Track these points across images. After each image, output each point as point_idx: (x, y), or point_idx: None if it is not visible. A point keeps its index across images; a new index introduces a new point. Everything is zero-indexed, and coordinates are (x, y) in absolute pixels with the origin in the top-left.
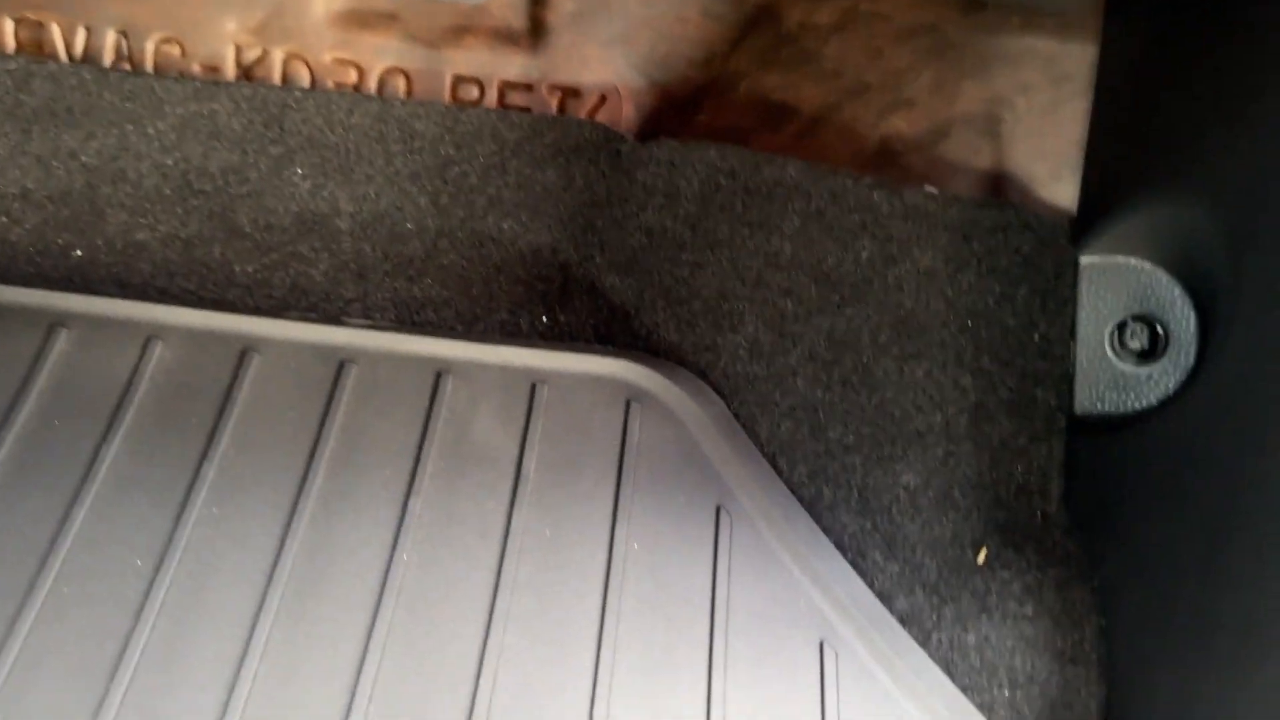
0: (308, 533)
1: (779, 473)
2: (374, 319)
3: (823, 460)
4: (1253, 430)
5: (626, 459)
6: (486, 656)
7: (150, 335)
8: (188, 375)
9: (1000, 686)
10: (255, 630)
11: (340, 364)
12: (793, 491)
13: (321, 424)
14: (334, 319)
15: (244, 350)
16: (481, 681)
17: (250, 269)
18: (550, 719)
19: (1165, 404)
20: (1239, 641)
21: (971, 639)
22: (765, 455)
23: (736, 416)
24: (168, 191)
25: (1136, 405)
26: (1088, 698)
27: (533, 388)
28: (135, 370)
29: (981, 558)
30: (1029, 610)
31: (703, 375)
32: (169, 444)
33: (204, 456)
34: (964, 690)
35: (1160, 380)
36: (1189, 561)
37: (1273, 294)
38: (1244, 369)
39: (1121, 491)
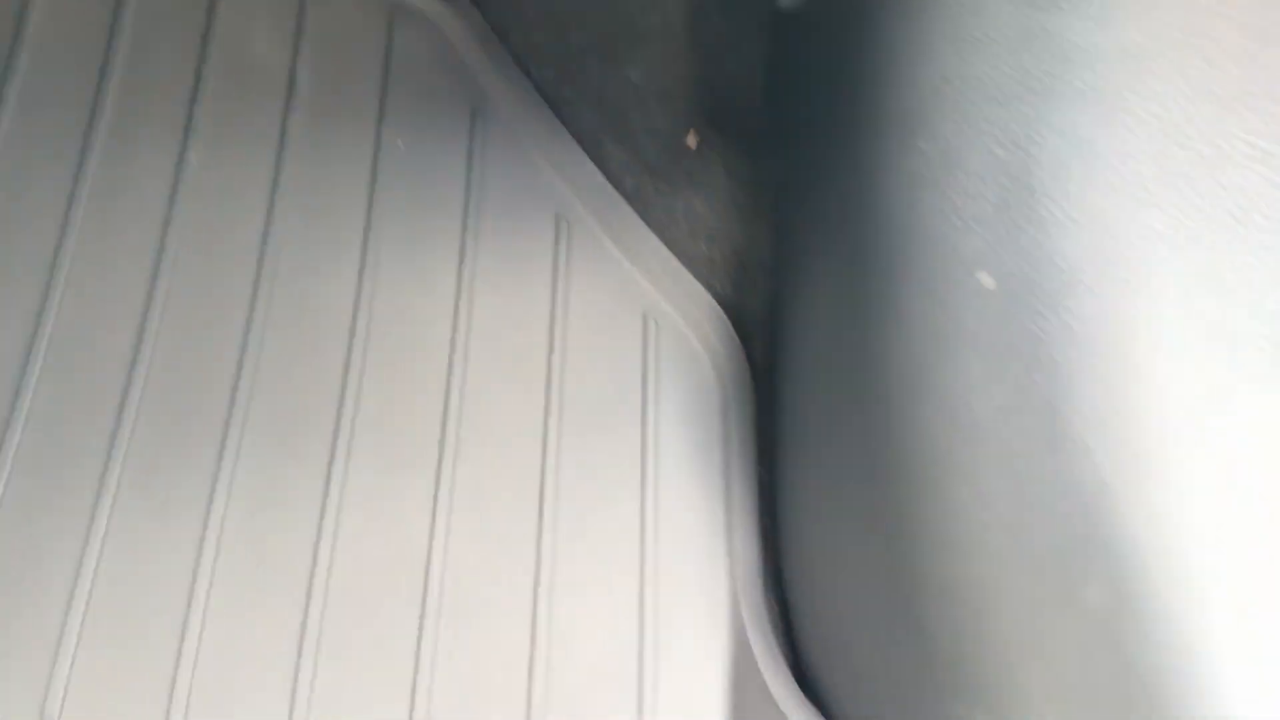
0: (104, 140)
1: (528, 76)
2: None
3: (565, 63)
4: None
5: (391, 68)
6: (268, 242)
7: None
8: None
9: (699, 242)
10: (66, 228)
11: None
12: (540, 92)
13: (106, 50)
14: None
15: None
16: (263, 268)
17: None
18: (323, 299)
19: None
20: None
21: (680, 207)
22: (516, 61)
23: (492, 27)
24: None
25: None
26: (763, 245)
27: (302, 7)
28: None
29: (692, 141)
30: (726, 181)
31: None
32: None
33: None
34: (672, 248)
35: None
36: (830, 128)
37: None
38: None
39: (803, 75)
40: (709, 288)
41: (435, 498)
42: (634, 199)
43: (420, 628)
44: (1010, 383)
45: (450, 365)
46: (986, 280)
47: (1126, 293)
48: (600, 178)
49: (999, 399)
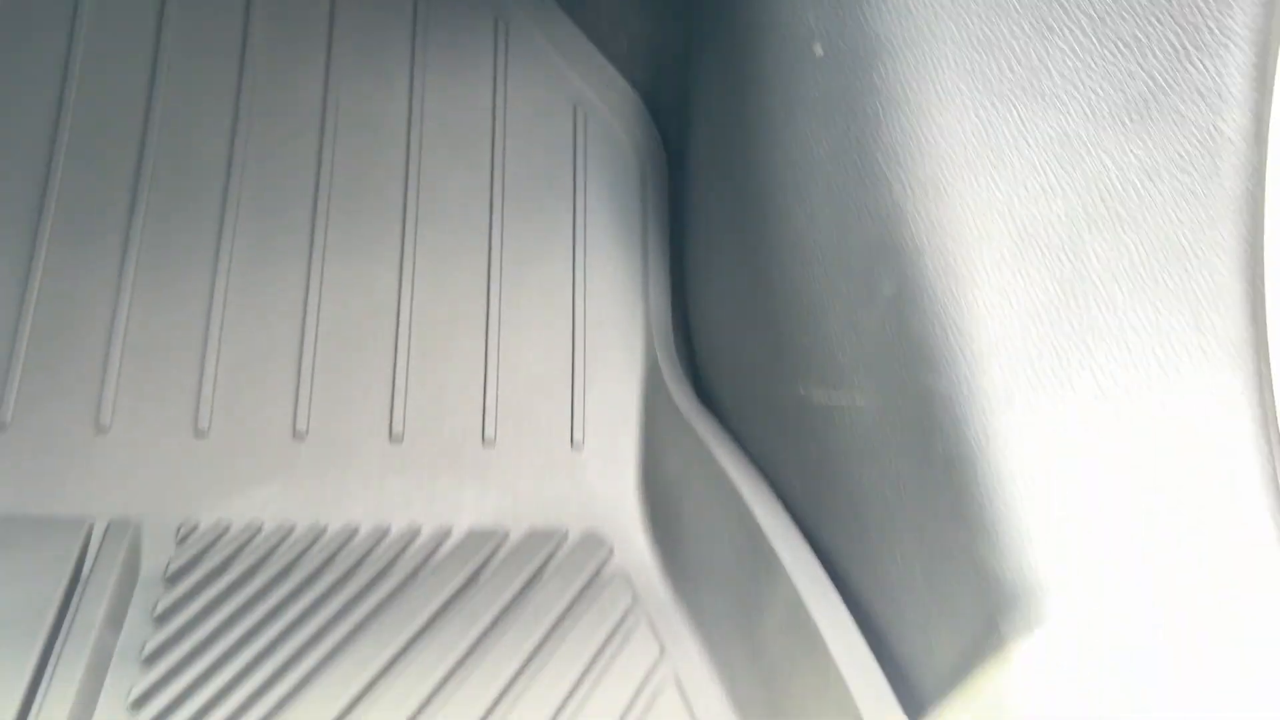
0: None
1: None
2: None
3: None
4: None
5: None
6: (247, 46)
7: None
8: None
9: (622, 40)
10: (72, 43)
11: None
12: None
13: None
14: None
15: None
16: (245, 66)
17: None
18: (296, 93)
19: None
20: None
21: (605, 7)
22: None
23: None
24: None
25: None
26: (677, 43)
27: None
28: None
29: None
30: (647, 10)
31: None
32: None
33: None
34: (598, 45)
35: None
36: None
37: None
38: None
39: None
40: (630, 81)
41: (401, 255)
42: (564, 1)
43: (394, 356)
44: (834, 131)
45: (408, 149)
46: (818, 49)
47: (919, 55)
48: None
49: (826, 144)
